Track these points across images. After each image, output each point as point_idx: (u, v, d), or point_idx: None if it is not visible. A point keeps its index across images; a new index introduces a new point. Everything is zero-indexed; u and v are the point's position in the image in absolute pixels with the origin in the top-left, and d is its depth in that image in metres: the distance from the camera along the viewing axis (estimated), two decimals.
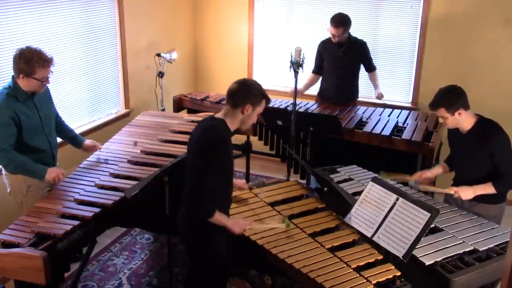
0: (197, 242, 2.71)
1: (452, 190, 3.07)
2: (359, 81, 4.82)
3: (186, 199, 2.64)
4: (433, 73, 4.87)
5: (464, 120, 3.02)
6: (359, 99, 4.93)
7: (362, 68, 4.78)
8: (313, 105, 4.76)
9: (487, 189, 3.01)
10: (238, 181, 3.22)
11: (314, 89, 4.99)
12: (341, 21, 4.46)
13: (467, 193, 3.02)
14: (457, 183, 3.19)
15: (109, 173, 3.33)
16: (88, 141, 3.61)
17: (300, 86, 4.75)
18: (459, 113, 2.97)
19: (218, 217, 2.58)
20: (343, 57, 4.62)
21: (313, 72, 4.88)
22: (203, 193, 2.50)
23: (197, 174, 2.52)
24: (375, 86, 4.82)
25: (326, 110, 4.57)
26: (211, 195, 2.52)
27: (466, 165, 3.14)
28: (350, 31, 4.58)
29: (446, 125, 3.09)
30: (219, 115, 2.64)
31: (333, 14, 4.50)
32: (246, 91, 2.59)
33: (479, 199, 3.05)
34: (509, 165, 2.99)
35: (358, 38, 4.67)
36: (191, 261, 2.84)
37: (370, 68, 4.80)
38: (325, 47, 4.73)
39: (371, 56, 4.77)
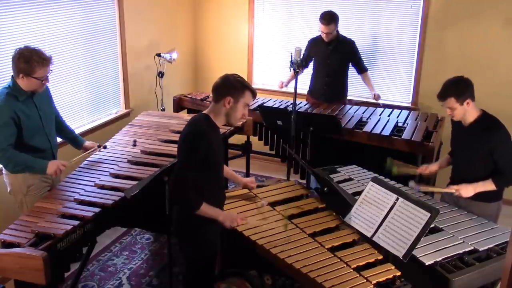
0: (187, 236, 2.72)
1: (452, 189, 3.07)
2: (348, 80, 4.83)
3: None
4: (433, 73, 4.87)
5: (469, 112, 3.02)
6: (358, 98, 4.91)
7: (352, 69, 4.78)
8: (305, 104, 4.75)
9: (487, 185, 3.01)
10: (247, 179, 3.23)
11: (304, 88, 4.99)
12: (331, 17, 4.50)
13: (467, 190, 3.03)
14: (454, 179, 3.19)
15: (109, 173, 3.33)
16: (88, 143, 3.61)
17: (283, 79, 4.96)
18: (467, 103, 2.97)
19: (206, 210, 2.58)
20: (332, 55, 4.64)
21: None
22: (185, 187, 2.51)
23: (178, 168, 2.57)
24: (370, 88, 4.83)
25: (326, 110, 4.58)
26: (195, 188, 2.53)
27: (465, 159, 3.14)
28: (345, 31, 4.58)
29: (453, 117, 3.08)
30: (205, 111, 2.69)
31: (321, 13, 4.52)
32: (225, 84, 2.61)
33: (475, 197, 3.05)
34: (509, 162, 2.99)
35: (347, 37, 4.69)
36: (184, 255, 2.85)
37: (361, 69, 4.80)
38: (314, 46, 4.76)
39: (361, 57, 4.77)
